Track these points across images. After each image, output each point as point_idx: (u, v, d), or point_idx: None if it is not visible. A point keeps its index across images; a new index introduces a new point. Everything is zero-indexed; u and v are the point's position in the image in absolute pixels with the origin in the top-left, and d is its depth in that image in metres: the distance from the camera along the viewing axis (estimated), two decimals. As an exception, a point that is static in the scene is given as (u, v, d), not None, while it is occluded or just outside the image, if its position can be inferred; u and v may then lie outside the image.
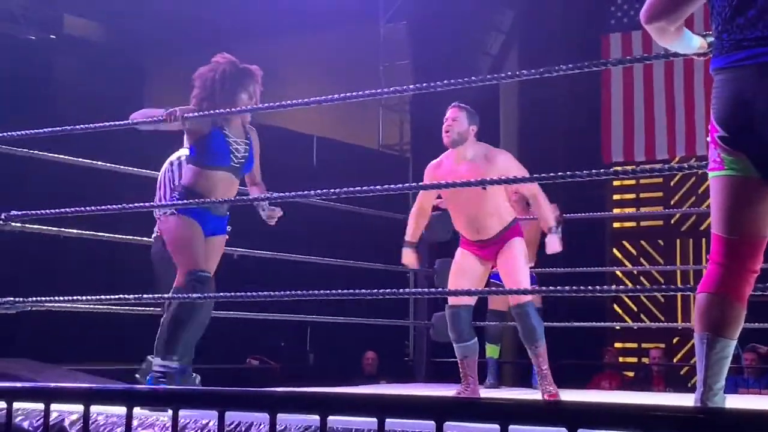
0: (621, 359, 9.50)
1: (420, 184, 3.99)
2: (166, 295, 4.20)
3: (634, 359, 9.78)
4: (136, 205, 4.20)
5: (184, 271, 4.13)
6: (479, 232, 4.87)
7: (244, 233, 7.91)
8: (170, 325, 4.08)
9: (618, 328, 9.64)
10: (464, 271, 4.91)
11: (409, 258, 5.14)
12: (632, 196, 10.08)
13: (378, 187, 3.85)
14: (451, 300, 4.88)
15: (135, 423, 3.46)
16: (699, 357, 2.63)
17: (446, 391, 5.10)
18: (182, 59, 12.25)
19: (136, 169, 5.38)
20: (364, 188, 4.07)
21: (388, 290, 3.89)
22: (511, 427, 1.39)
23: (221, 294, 4.02)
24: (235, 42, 11.67)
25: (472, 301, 4.96)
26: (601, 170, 3.60)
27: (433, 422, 1.39)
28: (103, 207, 4.21)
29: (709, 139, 2.72)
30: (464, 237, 4.98)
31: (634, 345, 9.88)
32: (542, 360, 4.80)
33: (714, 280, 2.67)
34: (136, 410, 3.20)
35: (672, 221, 9.81)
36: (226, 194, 4.23)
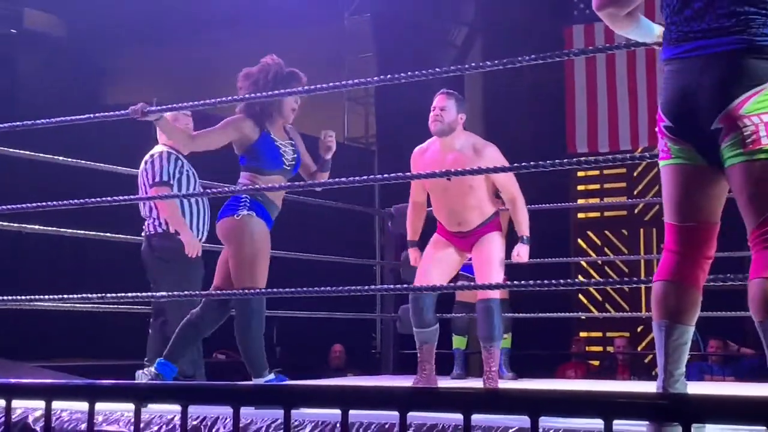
0: (587, 348, 9.57)
1: (392, 175, 3.97)
2: (130, 294, 4.16)
3: (599, 348, 9.86)
4: (103, 199, 4.16)
5: (247, 286, 4.03)
6: (460, 224, 4.83)
7: (210, 229, 7.89)
8: (187, 333, 4.13)
9: (583, 317, 9.70)
10: (437, 259, 4.86)
11: (412, 258, 5.07)
12: (596, 186, 10.15)
13: (344, 179, 3.84)
14: (417, 284, 4.81)
15: (100, 419, 3.45)
16: (658, 344, 2.66)
17: (412, 382, 5.12)
18: (145, 54, 12.19)
19: (101, 164, 5.33)
20: (329, 180, 4.08)
21: (356, 287, 3.90)
22: (473, 416, 1.39)
23: (189, 293, 4.00)
24: (197, 36, 11.62)
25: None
26: (565, 160, 3.61)
27: (396, 413, 1.40)
28: (66, 202, 4.16)
29: (657, 128, 2.76)
30: (442, 226, 4.94)
31: (599, 334, 9.95)
32: (493, 361, 4.75)
33: (669, 268, 2.69)
34: (101, 406, 3.19)
35: (635, 211, 9.89)
36: (281, 199, 4.25)
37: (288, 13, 10.87)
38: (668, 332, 2.63)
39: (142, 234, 5.00)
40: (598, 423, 1.29)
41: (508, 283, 4.68)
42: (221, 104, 4.12)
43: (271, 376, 4.10)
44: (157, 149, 5.00)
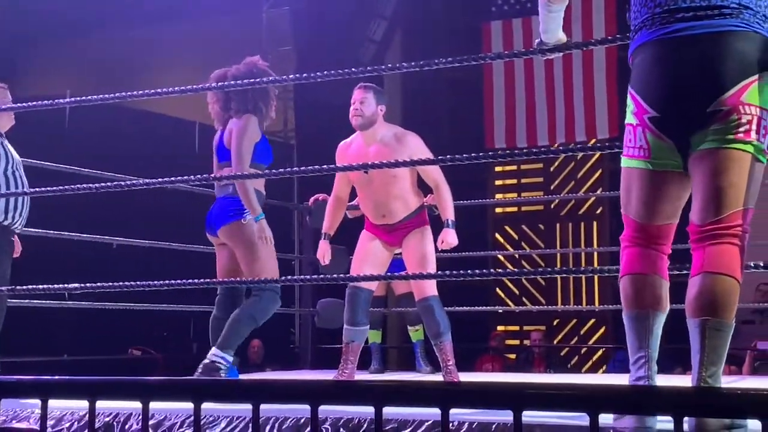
0: (505, 342, 9.67)
1: (310, 167, 3.96)
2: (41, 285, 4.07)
3: (516, 342, 9.97)
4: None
5: (263, 276, 4.25)
6: (385, 216, 4.82)
7: (123, 222, 7.78)
8: (245, 324, 4.29)
9: (500, 311, 9.80)
10: (368, 256, 4.85)
11: (321, 250, 5.05)
12: (514, 181, 10.25)
13: (260, 172, 3.82)
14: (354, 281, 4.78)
15: (8, 416, 3.37)
16: (638, 335, 2.61)
17: (331, 377, 5.11)
18: (59, 46, 11.94)
19: None
20: (246, 173, 4.04)
21: (270, 279, 3.88)
22: (385, 408, 1.39)
23: (97, 284, 3.92)
24: (114, 28, 11.43)
25: (373, 286, 4.91)
26: (480, 154, 3.63)
27: (308, 406, 1.39)
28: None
29: (634, 121, 2.67)
30: (369, 220, 4.93)
31: (516, 328, 10.07)
32: (447, 355, 4.74)
33: (638, 261, 2.68)
34: (8, 403, 3.12)
35: (552, 206, 10.01)
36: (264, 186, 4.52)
37: (206, 6, 10.76)
38: (652, 320, 2.62)
39: None
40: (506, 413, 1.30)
41: (425, 273, 4.67)
42: (137, 97, 4.04)
43: (231, 359, 4.25)
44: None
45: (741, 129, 2.53)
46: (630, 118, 2.70)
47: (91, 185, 3.97)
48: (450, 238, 4.77)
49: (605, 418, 2.64)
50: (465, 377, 5.94)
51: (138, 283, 3.80)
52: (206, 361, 4.17)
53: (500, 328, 9.89)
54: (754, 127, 2.53)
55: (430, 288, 4.75)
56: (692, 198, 2.65)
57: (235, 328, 4.26)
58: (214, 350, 4.22)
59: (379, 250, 4.86)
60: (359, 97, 4.79)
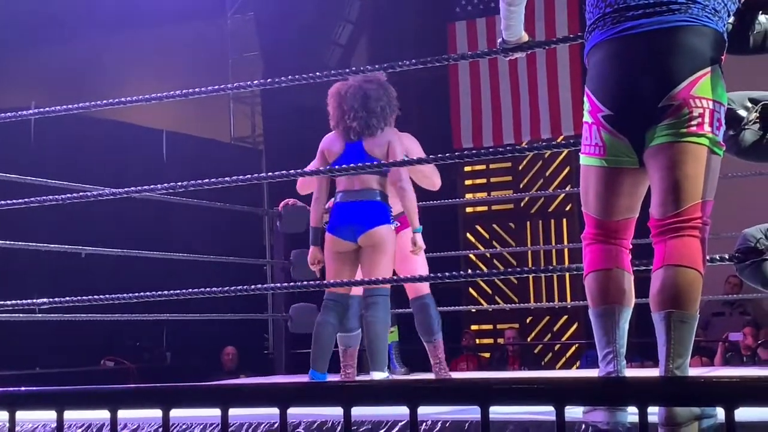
0: (477, 341, 9.69)
1: (276, 173, 3.95)
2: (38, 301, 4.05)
3: (490, 340, 10.00)
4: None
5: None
6: None
7: (94, 231, 7.74)
8: (383, 334, 4.50)
9: (474, 310, 9.82)
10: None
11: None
12: (483, 180, 10.28)
13: (227, 178, 3.80)
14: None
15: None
16: (605, 329, 2.63)
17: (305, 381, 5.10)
18: (21, 56, 11.84)
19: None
20: (212, 180, 4.02)
21: (244, 287, 3.86)
22: (358, 410, 1.39)
23: (66, 298, 3.90)
24: (78, 37, 11.36)
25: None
26: (447, 154, 3.65)
27: (277, 409, 1.39)
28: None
29: (589, 120, 2.69)
30: None
31: (490, 326, 10.09)
32: (440, 353, 4.82)
33: (601, 257, 2.69)
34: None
35: (522, 204, 10.05)
36: None
37: (171, 13, 10.72)
38: (618, 315, 2.63)
39: None
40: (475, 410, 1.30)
41: (402, 277, 4.69)
42: (102, 107, 4.01)
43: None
44: None
45: (693, 122, 2.55)
46: (586, 117, 2.72)
47: (57, 197, 3.95)
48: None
49: (576, 412, 2.67)
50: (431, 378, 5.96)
51: (107, 296, 3.79)
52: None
53: (474, 327, 9.92)
54: (707, 120, 2.56)
55: (425, 286, 4.83)
56: (651, 193, 2.67)
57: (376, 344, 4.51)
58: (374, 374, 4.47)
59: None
60: None
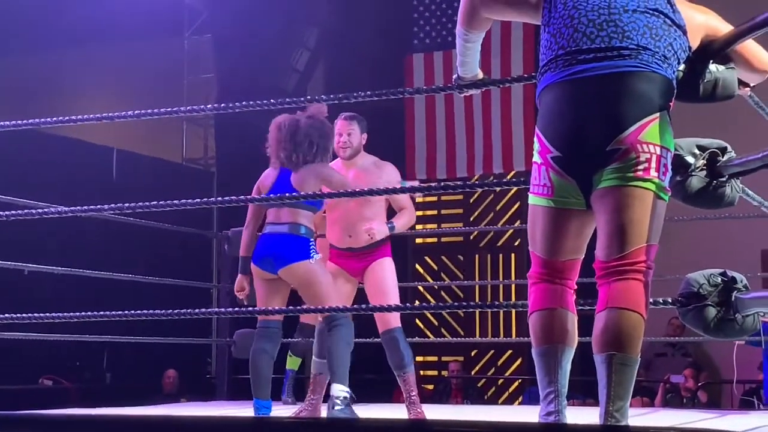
0: (422, 372, 9.67)
1: (225, 198, 3.92)
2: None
3: (434, 372, 9.99)
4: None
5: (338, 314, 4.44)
6: (351, 236, 4.78)
7: (37, 248, 7.62)
8: (345, 351, 4.50)
9: (419, 342, 9.80)
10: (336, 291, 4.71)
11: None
12: (434, 212, 10.31)
13: (176, 201, 3.76)
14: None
15: None
16: (547, 369, 2.64)
17: (247, 408, 5.05)
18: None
19: None
20: (160, 202, 3.98)
21: (186, 310, 3.82)
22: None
23: (5, 315, 3.83)
24: (29, 53, 11.23)
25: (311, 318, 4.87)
26: (409, 185, 3.65)
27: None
28: None
29: (539, 160, 2.71)
30: (333, 247, 4.87)
31: (435, 358, 10.09)
32: (410, 386, 4.76)
33: (546, 297, 2.71)
34: None
35: (471, 237, 10.09)
36: None
37: (128, 31, 10.65)
38: (560, 355, 2.64)
39: None
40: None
41: (352, 307, 4.67)
42: (52, 124, 3.96)
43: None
44: None
45: (640, 167, 2.58)
46: (536, 157, 2.75)
47: (1, 212, 3.88)
48: (380, 229, 4.73)
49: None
50: (381, 409, 5.93)
51: (46, 315, 3.72)
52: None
53: (419, 358, 9.90)
54: (653, 165, 2.59)
55: (395, 320, 4.77)
56: (597, 235, 2.70)
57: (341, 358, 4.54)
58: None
59: (342, 285, 4.81)
60: (345, 129, 4.85)
